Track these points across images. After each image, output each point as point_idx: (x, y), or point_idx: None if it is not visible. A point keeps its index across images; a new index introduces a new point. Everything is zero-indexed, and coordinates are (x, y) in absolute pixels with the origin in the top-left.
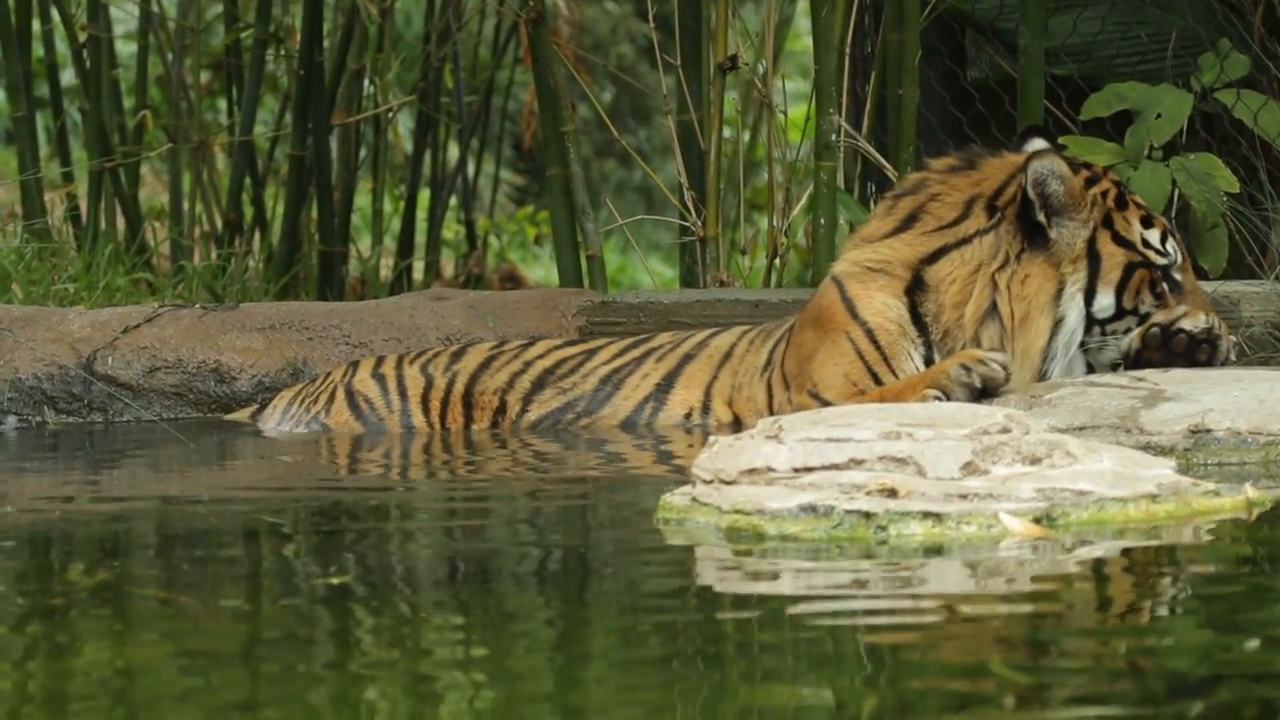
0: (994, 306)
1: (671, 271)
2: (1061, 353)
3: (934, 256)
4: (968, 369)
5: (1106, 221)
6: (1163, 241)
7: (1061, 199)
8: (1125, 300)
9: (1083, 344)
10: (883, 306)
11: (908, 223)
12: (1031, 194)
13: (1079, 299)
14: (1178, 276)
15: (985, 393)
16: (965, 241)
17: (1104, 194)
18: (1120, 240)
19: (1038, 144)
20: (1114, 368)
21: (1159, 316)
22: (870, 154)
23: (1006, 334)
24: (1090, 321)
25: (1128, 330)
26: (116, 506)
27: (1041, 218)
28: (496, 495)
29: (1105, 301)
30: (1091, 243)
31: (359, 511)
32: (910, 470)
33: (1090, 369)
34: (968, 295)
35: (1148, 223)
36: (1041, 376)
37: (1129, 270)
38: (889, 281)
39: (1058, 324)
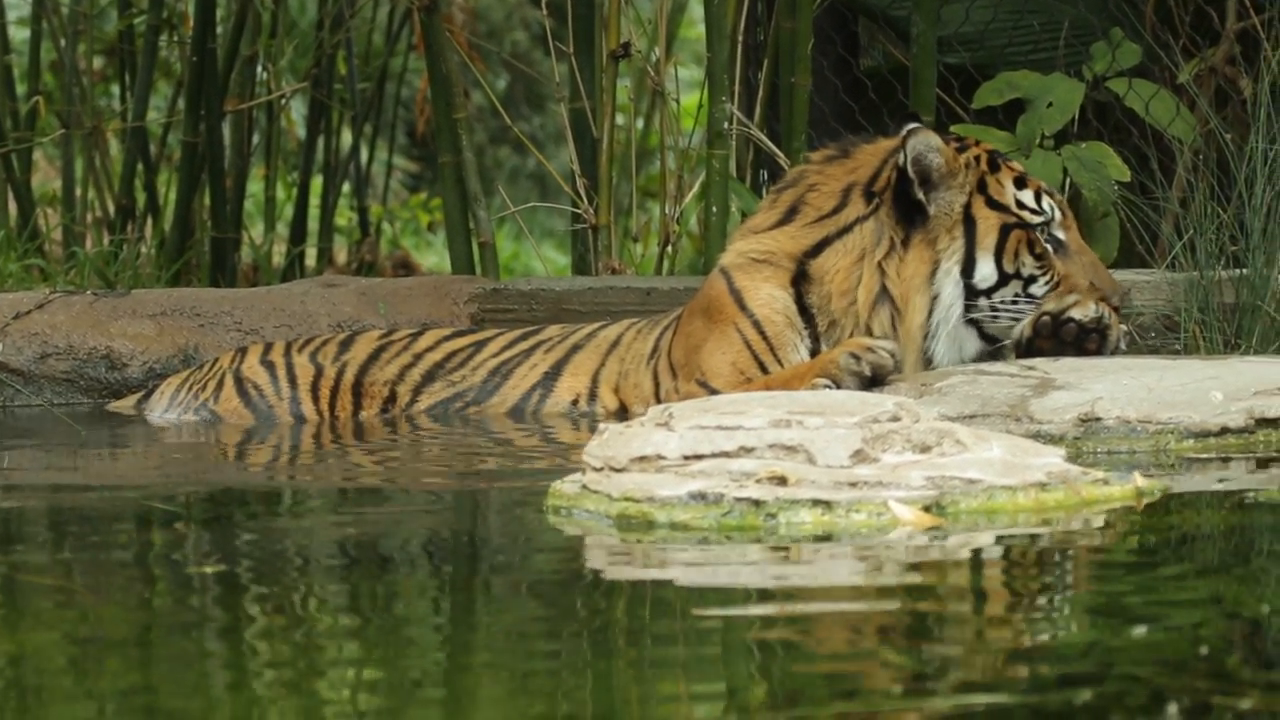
0: (884, 290)
1: (564, 259)
2: (941, 327)
3: (817, 249)
4: (857, 357)
5: (981, 186)
6: (1037, 200)
7: (941, 170)
8: (1005, 264)
9: (972, 319)
10: (769, 298)
11: (790, 215)
12: (910, 171)
13: (954, 273)
14: (1060, 235)
15: (874, 380)
16: (846, 230)
17: (976, 159)
18: (993, 204)
19: (911, 125)
20: (1015, 345)
21: (1049, 305)
22: (762, 142)
23: (899, 316)
24: (973, 292)
25: (1015, 297)
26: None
27: (920, 195)
28: (388, 482)
29: (986, 270)
30: (967, 208)
31: (249, 499)
32: (800, 458)
33: (993, 340)
34: (855, 283)
35: (1021, 183)
36: (927, 354)
37: (1004, 232)
38: (775, 273)
39: (934, 300)
